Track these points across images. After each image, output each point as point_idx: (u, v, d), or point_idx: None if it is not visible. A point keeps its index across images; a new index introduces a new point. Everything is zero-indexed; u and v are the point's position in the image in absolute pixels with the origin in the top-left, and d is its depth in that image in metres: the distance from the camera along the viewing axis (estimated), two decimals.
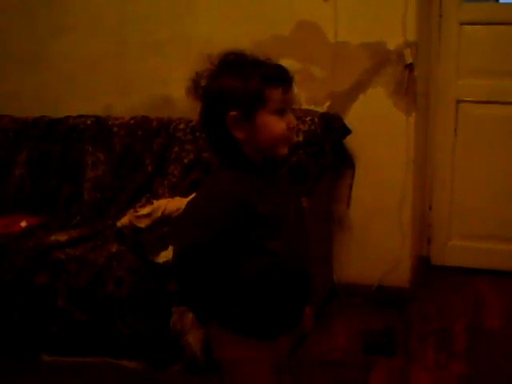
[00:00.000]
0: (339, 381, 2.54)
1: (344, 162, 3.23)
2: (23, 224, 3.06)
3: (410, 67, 3.08)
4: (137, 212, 2.86)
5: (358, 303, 3.18)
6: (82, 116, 3.42)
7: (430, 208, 3.57)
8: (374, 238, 3.25)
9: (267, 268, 1.52)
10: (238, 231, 1.49)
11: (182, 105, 3.40)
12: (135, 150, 3.25)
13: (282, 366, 1.61)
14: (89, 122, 3.37)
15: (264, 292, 1.53)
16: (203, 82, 1.54)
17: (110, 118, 3.39)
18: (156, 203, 2.89)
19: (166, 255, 2.59)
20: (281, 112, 1.51)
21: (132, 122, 3.32)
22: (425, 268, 3.54)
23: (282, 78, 1.51)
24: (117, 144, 3.28)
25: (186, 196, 2.94)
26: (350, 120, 3.15)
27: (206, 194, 1.54)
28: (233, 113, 1.49)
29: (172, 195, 3.02)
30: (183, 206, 2.76)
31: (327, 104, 3.21)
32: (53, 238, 2.88)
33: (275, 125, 1.50)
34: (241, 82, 1.48)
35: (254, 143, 1.51)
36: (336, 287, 3.27)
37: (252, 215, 1.48)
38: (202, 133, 1.62)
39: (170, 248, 2.61)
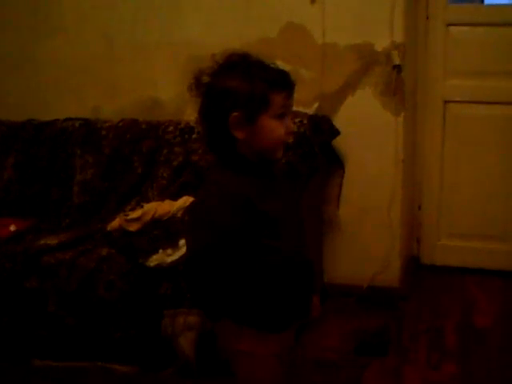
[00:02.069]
0: (331, 381, 2.54)
1: (333, 163, 3.23)
2: (12, 228, 3.04)
3: (397, 68, 3.09)
4: (127, 215, 2.85)
5: (349, 303, 3.18)
6: (71, 119, 3.41)
7: (420, 208, 3.58)
8: (364, 238, 3.26)
9: (276, 264, 1.56)
10: (247, 230, 1.51)
11: (171, 107, 3.40)
12: (124, 152, 3.24)
13: (289, 357, 1.65)
14: (77, 124, 3.36)
15: (275, 287, 1.56)
16: (206, 79, 1.55)
17: (99, 120, 3.37)
18: (146, 206, 2.88)
19: (156, 258, 2.59)
20: (281, 116, 1.53)
21: (121, 124, 3.30)
22: (415, 267, 3.55)
23: (286, 83, 1.54)
24: (105, 147, 3.27)
25: (175, 199, 2.94)
26: (338, 121, 3.15)
27: (213, 194, 1.55)
28: (236, 113, 1.51)
29: (162, 198, 3.01)
30: (173, 209, 2.83)
31: (316, 105, 3.21)
32: (42, 242, 2.87)
33: (275, 129, 1.53)
34: (247, 84, 1.50)
35: (252, 144, 1.53)
36: (327, 288, 3.27)
37: (256, 215, 1.51)
38: (201, 128, 1.64)
39: (161, 251, 2.61)
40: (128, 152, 3.23)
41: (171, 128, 3.21)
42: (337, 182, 3.26)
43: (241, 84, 1.51)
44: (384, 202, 3.20)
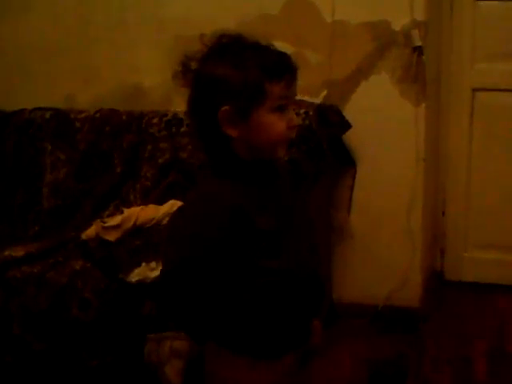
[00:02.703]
0: None
1: (344, 162, 3.23)
2: None
3: (418, 50, 3.09)
4: (104, 222, 2.84)
5: (362, 326, 3.18)
6: (40, 109, 3.41)
7: (444, 214, 3.59)
8: (380, 250, 3.26)
9: (270, 286, 1.53)
10: (234, 247, 1.48)
11: (156, 95, 3.39)
12: (102, 148, 3.23)
13: None
14: (47, 115, 3.36)
15: (267, 311, 1.54)
16: (194, 65, 1.52)
17: (72, 110, 3.37)
18: (127, 212, 2.87)
19: (138, 273, 2.58)
20: (281, 109, 1.49)
21: (98, 115, 3.30)
22: (438, 284, 3.55)
23: (285, 69, 1.49)
24: (80, 141, 3.26)
25: (161, 202, 2.93)
26: (350, 112, 3.15)
27: (199, 200, 1.53)
28: (225, 107, 1.47)
29: (145, 202, 3.01)
30: (159, 215, 2.82)
31: (323, 94, 3.22)
32: (6, 253, 2.85)
33: (274, 125, 1.49)
34: (237, 71, 1.46)
35: (248, 143, 1.50)
36: (336, 307, 3.26)
37: (250, 230, 1.48)
38: (190, 124, 1.63)
39: (144, 265, 2.61)
40: (106, 148, 3.23)
41: (156, 120, 3.20)
42: (348, 183, 3.26)
43: (231, 72, 1.47)
44: (402, 207, 3.20)
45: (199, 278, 1.48)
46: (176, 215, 1.60)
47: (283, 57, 1.50)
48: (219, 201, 1.48)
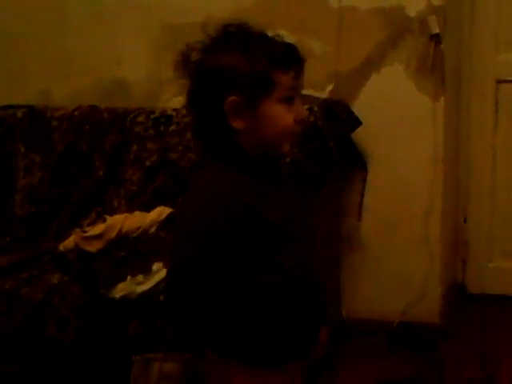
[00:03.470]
0: None
1: (353, 163, 3.24)
2: None
3: (435, 38, 3.10)
4: (85, 232, 2.85)
5: (375, 345, 3.19)
6: (11, 106, 3.42)
7: (466, 220, 3.60)
8: (394, 260, 3.27)
9: (278, 285, 1.60)
10: (246, 242, 1.57)
11: (141, 90, 3.40)
12: (81, 149, 3.24)
13: None
14: (20, 113, 3.37)
15: (274, 313, 1.61)
16: (195, 57, 1.62)
17: (48, 108, 3.38)
18: (110, 220, 2.88)
19: (123, 288, 2.58)
20: (289, 100, 1.59)
21: (76, 113, 3.31)
22: (459, 297, 3.56)
23: (293, 59, 1.60)
24: (57, 142, 3.28)
25: (148, 209, 2.94)
26: (359, 108, 3.16)
27: (204, 196, 1.61)
28: (233, 97, 1.57)
29: (130, 209, 3.02)
30: (145, 224, 2.83)
31: (330, 88, 3.23)
32: None
33: (282, 116, 1.59)
34: (246, 61, 1.56)
35: (254, 136, 1.60)
36: (346, 324, 3.27)
37: (260, 223, 1.57)
38: (190, 117, 1.70)
39: (130, 278, 2.61)
40: (86, 149, 3.24)
41: (142, 118, 3.21)
42: (358, 187, 3.27)
43: (238, 61, 1.57)
44: (419, 212, 3.21)
45: (212, 274, 1.56)
46: (182, 211, 1.68)
47: (291, 47, 1.61)
48: (227, 192, 1.58)
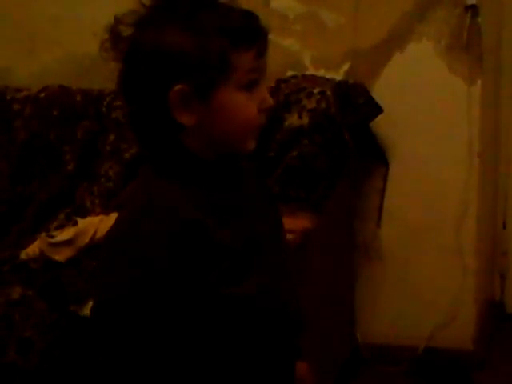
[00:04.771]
0: None
1: (372, 157, 3.26)
2: None
3: (472, 10, 3.10)
4: (52, 237, 2.86)
5: (396, 375, 3.19)
6: None
7: (505, 226, 3.60)
8: (419, 274, 3.28)
9: (236, 323, 1.53)
10: (190, 273, 1.46)
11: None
12: (48, 139, 3.26)
13: None
14: None
15: (232, 359, 1.54)
16: (127, 32, 1.51)
17: (9, 89, 3.40)
18: (81, 223, 2.89)
19: None
20: (250, 86, 1.49)
21: (42, 95, 3.32)
22: (497, 319, 3.56)
23: (255, 34, 1.50)
24: (19, 130, 3.29)
25: None
26: (380, 92, 3.18)
27: (139, 209, 1.51)
28: (180, 86, 1.45)
29: (106, 210, 3.02)
30: None
31: (345, 68, 3.24)
32: None
33: (243, 107, 1.49)
34: (192, 38, 1.45)
35: (207, 133, 1.50)
36: (361, 349, 3.29)
37: (209, 247, 1.47)
38: (124, 105, 1.58)
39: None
40: (54, 138, 3.25)
41: (121, 101, 3.20)
42: (377, 186, 3.28)
43: (184, 39, 1.45)
44: (450, 217, 3.22)
45: (141, 314, 1.46)
46: (112, 230, 1.57)
47: (250, 16, 1.50)
48: (168, 209, 1.47)
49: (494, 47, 3.35)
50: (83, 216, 2.99)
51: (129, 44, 1.49)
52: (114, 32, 1.50)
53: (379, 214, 3.29)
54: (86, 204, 3.15)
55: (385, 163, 3.25)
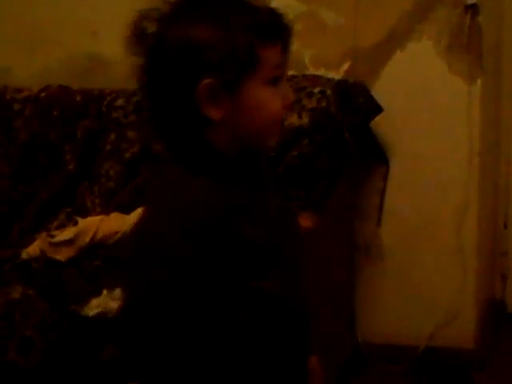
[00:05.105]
0: None
1: (372, 157, 3.26)
2: None
3: (472, 10, 3.11)
4: (53, 237, 2.86)
5: (397, 374, 3.19)
6: None
7: (506, 226, 3.60)
8: (419, 274, 3.28)
9: (262, 317, 1.54)
10: (220, 268, 1.48)
11: (120, 69, 3.37)
12: (48, 139, 3.26)
13: None
14: None
15: (256, 352, 1.55)
16: (152, 28, 1.51)
17: (9, 89, 3.39)
18: (82, 223, 2.90)
19: (98, 304, 2.59)
20: (275, 81, 1.51)
21: (43, 95, 3.32)
22: (498, 318, 3.56)
23: (280, 29, 1.51)
24: (20, 130, 3.29)
25: (128, 210, 2.94)
26: (380, 91, 3.18)
27: (166, 211, 1.52)
28: (207, 80, 1.46)
29: (107, 209, 3.03)
30: (124, 228, 2.82)
31: (345, 67, 3.24)
32: None
33: (268, 102, 1.51)
34: (220, 33, 1.46)
35: (232, 128, 1.51)
36: (362, 349, 3.29)
37: (238, 243, 1.48)
38: (146, 106, 1.60)
39: (105, 293, 2.61)
40: (55, 138, 3.25)
41: (121, 101, 3.24)
42: (377, 186, 3.28)
43: (212, 33, 1.46)
44: (450, 216, 3.22)
45: (172, 309, 1.48)
46: (140, 230, 1.59)
47: (275, 13, 1.52)
48: (196, 208, 1.48)
49: (493, 47, 3.34)
50: (84, 216, 3.00)
51: (153, 41, 1.50)
52: (138, 28, 1.51)
53: (379, 213, 3.28)
54: (87, 204, 3.14)
55: (385, 163, 3.25)
